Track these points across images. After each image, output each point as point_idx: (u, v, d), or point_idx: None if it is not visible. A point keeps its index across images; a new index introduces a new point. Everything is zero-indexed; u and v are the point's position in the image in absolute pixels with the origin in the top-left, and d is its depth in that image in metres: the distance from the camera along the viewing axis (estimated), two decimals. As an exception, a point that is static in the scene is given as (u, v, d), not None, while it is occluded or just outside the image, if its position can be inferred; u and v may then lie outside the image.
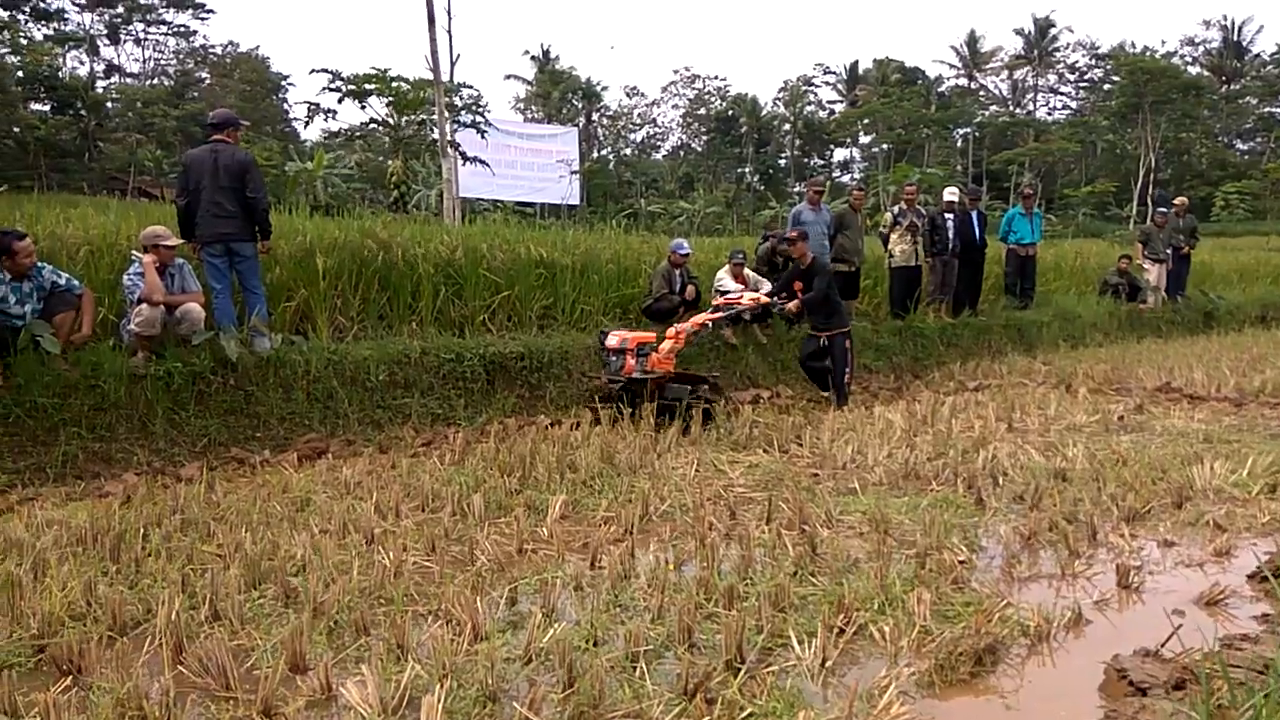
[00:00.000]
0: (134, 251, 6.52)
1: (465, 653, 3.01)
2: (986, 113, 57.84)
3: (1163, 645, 3.09)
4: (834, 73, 61.96)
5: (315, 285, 7.68)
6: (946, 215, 11.84)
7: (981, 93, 61.59)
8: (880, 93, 53.94)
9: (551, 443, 6.16)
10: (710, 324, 8.04)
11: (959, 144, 55.58)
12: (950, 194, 12.25)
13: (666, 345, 7.37)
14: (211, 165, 6.59)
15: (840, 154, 62.89)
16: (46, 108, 43.12)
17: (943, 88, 59.14)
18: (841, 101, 61.37)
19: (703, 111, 60.77)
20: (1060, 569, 3.98)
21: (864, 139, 58.21)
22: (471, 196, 22.65)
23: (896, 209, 11.55)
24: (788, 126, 59.58)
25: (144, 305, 6.14)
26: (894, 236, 11.34)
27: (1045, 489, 5.04)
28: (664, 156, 62.08)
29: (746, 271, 9.32)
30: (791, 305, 8.11)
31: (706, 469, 5.70)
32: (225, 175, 6.58)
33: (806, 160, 61.14)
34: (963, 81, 60.65)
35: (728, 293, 9.21)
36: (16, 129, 38.01)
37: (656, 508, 4.79)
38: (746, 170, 56.54)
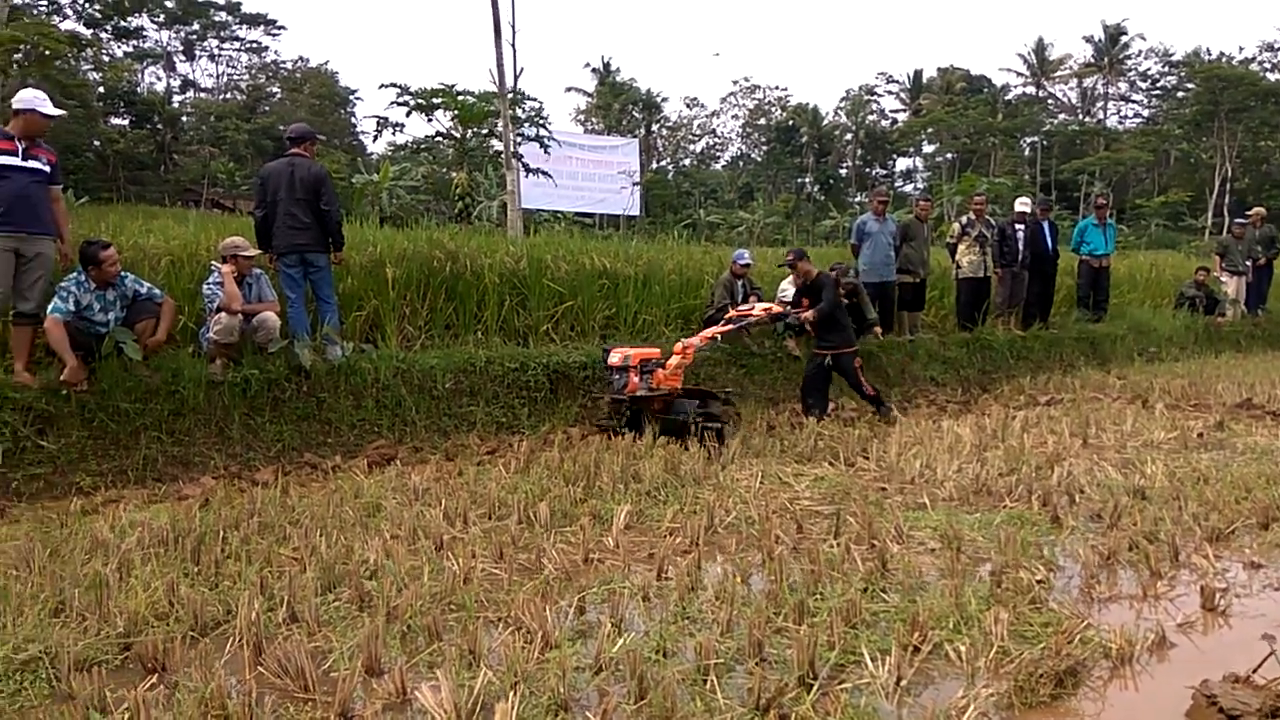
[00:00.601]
0: (213, 262, 6.72)
1: (536, 660, 3.03)
2: (1055, 121, 56.55)
3: (1254, 671, 2.97)
4: (897, 81, 61.23)
5: (385, 295, 7.84)
6: (1017, 226, 11.60)
7: (1050, 101, 60.24)
8: (945, 101, 53.16)
9: (615, 452, 6.18)
10: (719, 338, 7.78)
11: (1026, 153, 54.46)
12: (1022, 204, 12.01)
13: (674, 361, 7.06)
14: (288, 178, 6.77)
15: (903, 163, 62.16)
16: (125, 122, 44.85)
17: (1009, 96, 57.97)
18: (904, 110, 60.60)
19: (763, 121, 60.60)
20: (1142, 590, 3.86)
21: (928, 148, 57.41)
22: (533, 208, 22.88)
23: (965, 219, 11.36)
24: (849, 136, 59.03)
25: (223, 314, 6.32)
26: (962, 247, 11.15)
27: (1124, 507, 4.89)
28: (723, 167, 62.05)
29: (810, 283, 9.23)
30: (807, 314, 7.86)
31: (771, 481, 5.65)
32: (301, 188, 6.76)
33: (868, 170, 60.51)
34: (1030, 90, 59.37)
35: (787, 302, 9.16)
36: (97, 142, 39.58)
37: (722, 519, 4.76)
38: (807, 180, 56.18)
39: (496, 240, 9.98)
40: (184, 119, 48.24)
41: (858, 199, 53.47)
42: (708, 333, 7.60)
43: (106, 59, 44.97)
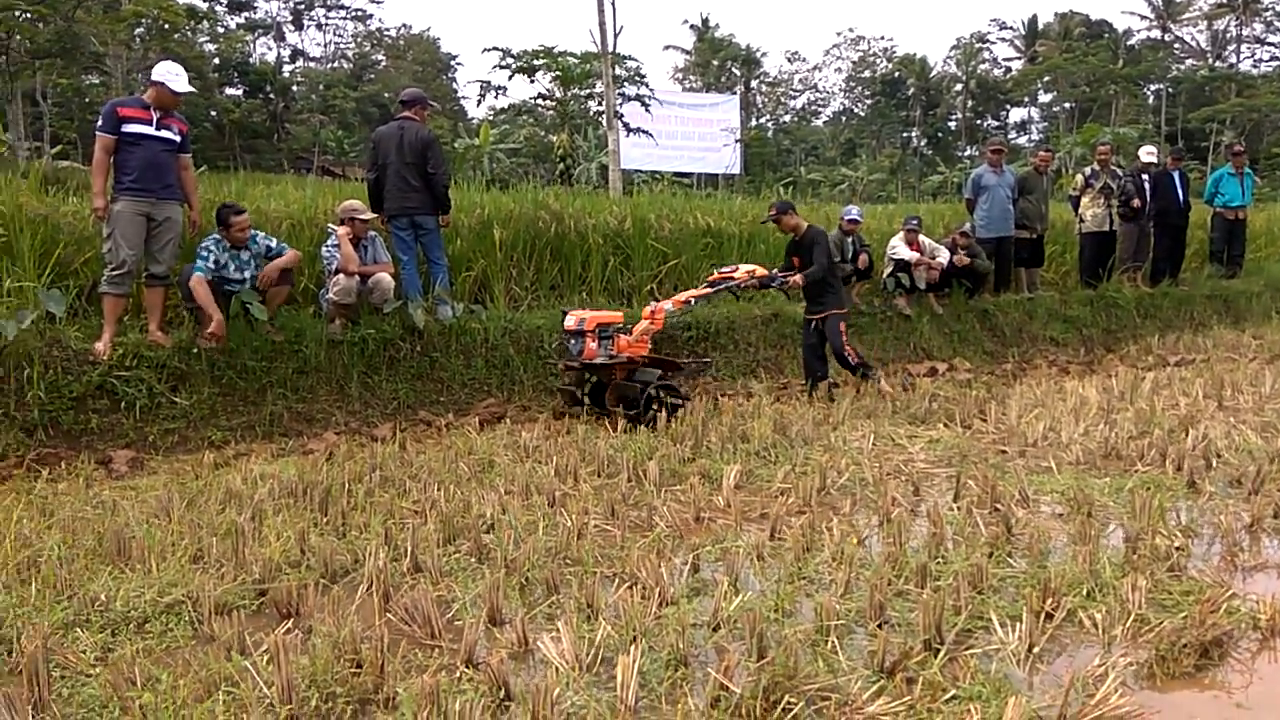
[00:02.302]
0: (330, 225, 6.92)
1: (654, 616, 3.03)
2: (1182, 67, 53.02)
3: None
4: (1011, 28, 58.37)
5: (492, 256, 7.94)
6: (1143, 176, 10.94)
7: (1176, 45, 56.42)
8: (1063, 48, 50.43)
9: (722, 412, 6.13)
10: (694, 301, 6.92)
11: (1150, 101, 51.30)
12: (1148, 154, 11.31)
13: (641, 326, 6.49)
14: (398, 141, 6.89)
15: (1017, 114, 59.43)
16: (240, 92, 46.55)
17: (1132, 41, 54.59)
18: (1019, 58, 57.74)
19: (867, 74, 58.74)
20: (1291, 560, 3.61)
21: (1044, 98, 54.72)
22: (632, 168, 22.82)
23: (1089, 170, 10.75)
24: (959, 87, 56.69)
25: (340, 275, 6.51)
26: (1085, 200, 10.58)
27: (1267, 473, 4.58)
28: (825, 123, 60.52)
29: (922, 238, 8.95)
30: (794, 279, 7.11)
31: (884, 443, 5.52)
32: (410, 152, 6.87)
33: (979, 122, 58.06)
34: (1155, 34, 55.73)
35: (899, 259, 8.89)
36: (214, 113, 41.25)
37: (834, 481, 4.67)
38: (913, 134, 54.34)
39: (600, 200, 9.98)
40: (294, 88, 49.80)
41: (967, 153, 51.48)
42: (681, 296, 6.86)
43: (221, 31, 46.71)
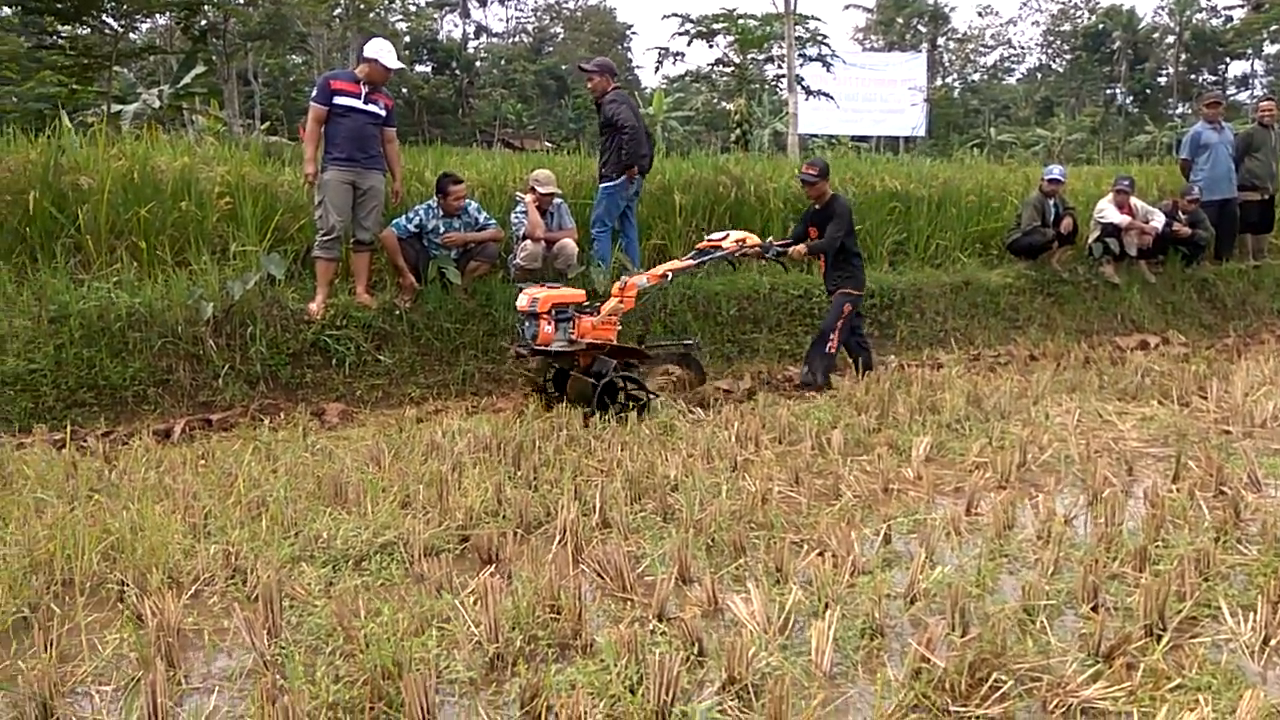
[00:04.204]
0: (517, 193, 7.14)
1: (846, 584, 2.97)
2: None
3: None
4: (1234, -29, 52.57)
5: (672, 221, 7.96)
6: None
7: None
8: (1297, -11, 44.95)
9: (909, 382, 5.92)
10: (672, 275, 6.06)
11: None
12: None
13: (609, 305, 5.69)
14: (634, 106, 7.12)
15: (1237, 68, 53.61)
16: (428, 69, 48.70)
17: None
18: (1242, 6, 51.98)
19: (1067, 27, 54.59)
20: None
21: (1269, 48, 49.02)
22: (809, 132, 22.27)
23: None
24: (1171, 39, 51.73)
25: (527, 241, 6.72)
26: (1327, 155, 9.43)
27: None
28: (1018, 80, 56.84)
29: (1134, 201, 8.26)
30: (794, 250, 6.48)
31: (1090, 418, 5.17)
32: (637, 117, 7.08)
33: (1193, 77, 52.80)
34: None
35: (1108, 223, 8.25)
36: (404, 90, 43.40)
37: (1035, 456, 4.42)
38: (1118, 90, 50.17)
39: (781, 164, 9.80)
40: (478, 64, 51.66)
41: (1179, 111, 47.08)
42: (659, 269, 6.06)
43: (412, 9, 48.96)
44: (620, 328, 5.77)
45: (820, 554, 3.25)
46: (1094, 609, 2.79)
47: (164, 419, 5.49)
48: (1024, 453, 4.39)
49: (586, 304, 5.68)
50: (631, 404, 5.43)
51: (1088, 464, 4.22)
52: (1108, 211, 8.20)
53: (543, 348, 5.49)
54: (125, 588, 3.01)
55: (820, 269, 6.97)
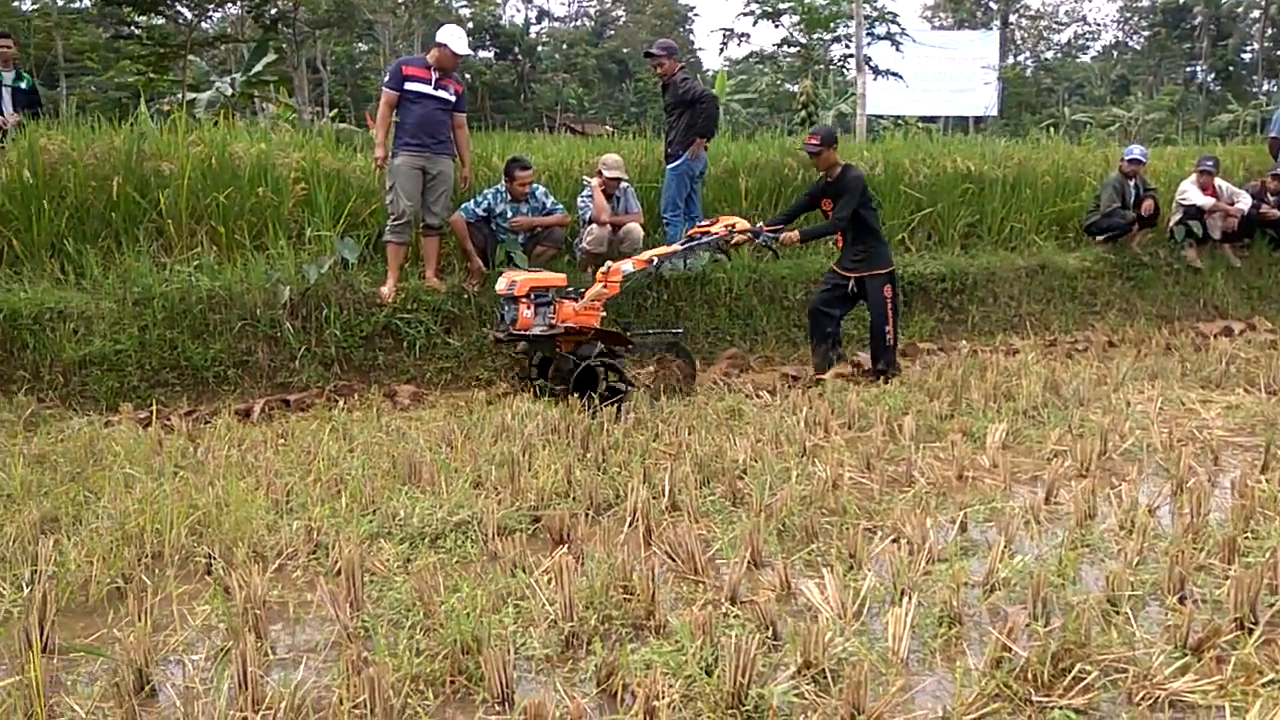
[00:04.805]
0: (585, 176, 7.15)
1: (922, 571, 2.93)
2: None
3: None
4: (1328, -61, 50.03)
5: (738, 204, 7.90)
6: None
7: None
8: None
9: (983, 368, 5.80)
10: (657, 261, 5.86)
11: None
12: None
13: (593, 290, 5.52)
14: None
15: (1329, 41, 51.05)
16: (491, 55, 49.02)
17: None
18: (1336, -26, 49.47)
19: (1145, 3, 52.60)
20: None
21: (1365, 20, 46.57)
22: (876, 114, 21.85)
23: None
24: (1256, 13, 49.47)
25: (593, 225, 6.74)
26: None
27: None
28: (1093, 58, 54.99)
29: (1218, 182, 7.95)
30: (786, 237, 6.12)
31: (1173, 406, 5.02)
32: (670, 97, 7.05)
33: (1280, 53, 50.52)
34: None
35: (1191, 205, 7.95)
36: (468, 75, 43.81)
37: (1116, 445, 4.30)
38: (1199, 68, 48.22)
39: (850, 146, 9.65)
40: (540, 49, 51.81)
41: (1264, 88, 45.08)
42: (644, 255, 5.87)
43: (476, -4, 49.29)
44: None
45: (895, 541, 3.22)
46: (1181, 601, 2.71)
47: (244, 399, 5.66)
48: (1105, 441, 4.28)
49: (569, 288, 5.60)
50: (610, 395, 5.28)
51: (1171, 453, 4.10)
52: (1191, 193, 7.91)
53: (521, 332, 5.40)
54: (212, 561, 3.12)
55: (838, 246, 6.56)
